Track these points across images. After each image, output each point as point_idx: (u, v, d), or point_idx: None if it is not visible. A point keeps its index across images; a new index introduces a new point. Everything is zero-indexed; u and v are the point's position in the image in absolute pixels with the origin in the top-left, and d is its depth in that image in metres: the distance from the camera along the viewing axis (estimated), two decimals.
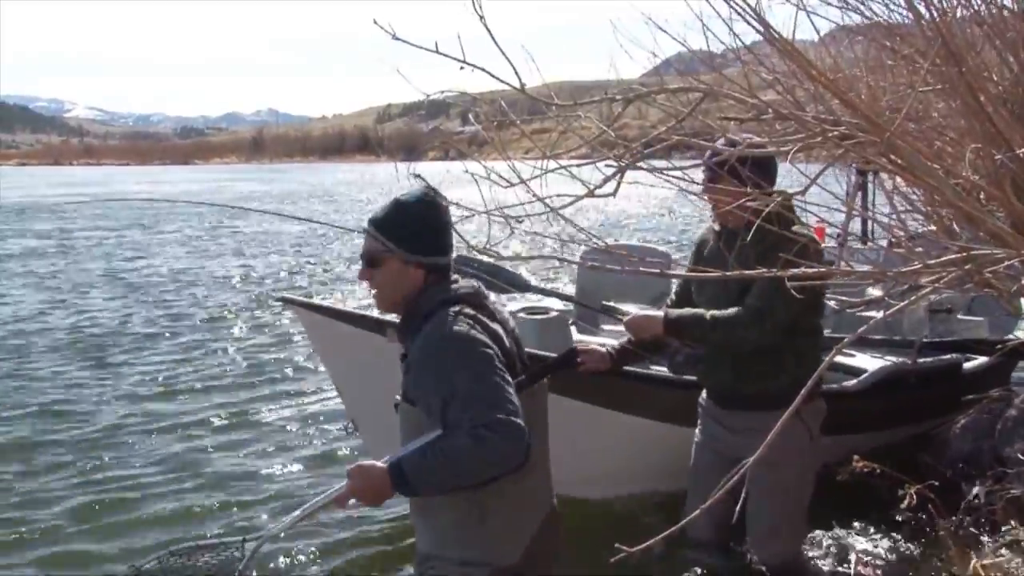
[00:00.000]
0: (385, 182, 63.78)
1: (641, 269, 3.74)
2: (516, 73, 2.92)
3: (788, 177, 3.26)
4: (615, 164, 3.02)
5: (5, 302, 14.70)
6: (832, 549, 4.90)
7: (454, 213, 3.11)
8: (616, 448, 5.13)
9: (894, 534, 4.79)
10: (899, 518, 4.61)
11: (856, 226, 7.94)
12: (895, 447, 5.48)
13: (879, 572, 4.38)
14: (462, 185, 3.54)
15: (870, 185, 7.46)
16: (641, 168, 3.14)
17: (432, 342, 2.80)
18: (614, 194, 2.97)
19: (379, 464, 2.76)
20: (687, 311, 4.10)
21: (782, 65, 2.98)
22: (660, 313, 4.16)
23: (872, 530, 4.83)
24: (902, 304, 2.97)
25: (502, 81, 2.97)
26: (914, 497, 3.54)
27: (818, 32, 3.03)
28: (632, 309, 4.59)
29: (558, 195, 3.15)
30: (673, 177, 2.99)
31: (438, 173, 3.52)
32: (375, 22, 2.99)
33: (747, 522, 4.18)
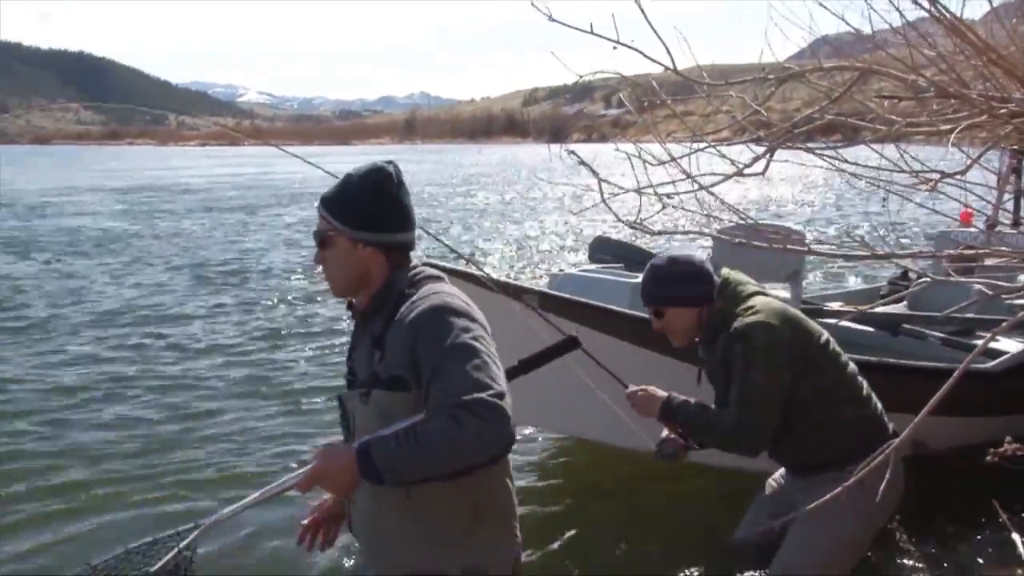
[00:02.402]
0: (533, 161, 64.08)
1: (775, 246, 3.65)
2: (668, 53, 2.85)
3: (946, 164, 3.08)
4: (765, 143, 2.92)
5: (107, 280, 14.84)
6: (989, 531, 4.71)
7: (606, 190, 3.02)
8: None
9: None
10: None
11: (1005, 212, 7.55)
12: None
13: None
14: (609, 165, 3.48)
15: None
16: (790, 148, 3.02)
17: (425, 313, 2.38)
18: (763, 173, 2.86)
19: (349, 446, 2.34)
20: (686, 406, 3.72)
21: (945, 43, 2.81)
22: (663, 395, 3.77)
23: None
24: None
25: (655, 61, 2.90)
26: None
27: (991, 2, 2.82)
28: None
29: (707, 173, 3.05)
30: (826, 156, 2.85)
31: (589, 153, 3.46)
32: (533, 4, 2.96)
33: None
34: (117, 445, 6.66)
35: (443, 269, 4.85)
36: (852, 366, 3.77)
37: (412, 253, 2.64)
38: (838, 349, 3.74)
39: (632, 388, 3.81)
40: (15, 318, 11.52)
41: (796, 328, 3.59)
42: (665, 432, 3.81)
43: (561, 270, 7.01)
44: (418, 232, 2.63)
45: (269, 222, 25.77)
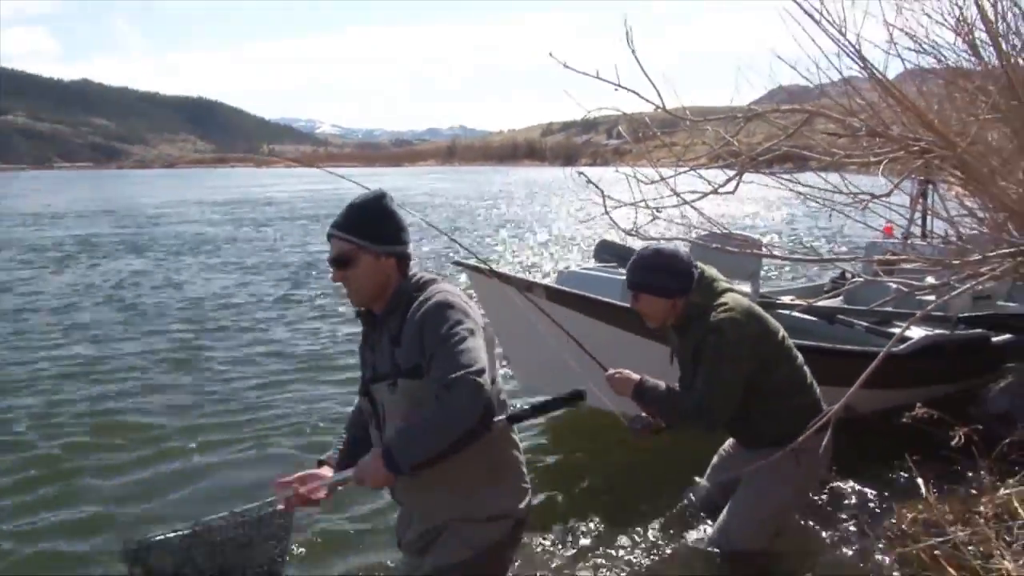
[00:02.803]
0: (549, 181, 63.75)
1: (744, 251, 3.69)
2: (659, 95, 2.91)
3: (874, 188, 3.14)
4: (735, 168, 2.99)
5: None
6: (899, 476, 4.75)
7: (608, 204, 3.09)
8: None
9: (945, 466, 4.58)
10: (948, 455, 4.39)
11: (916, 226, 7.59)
12: (946, 401, 5.21)
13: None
14: (610, 184, 3.53)
15: (930, 194, 7.10)
16: (755, 172, 3.10)
17: (430, 309, 2.35)
18: (734, 191, 2.93)
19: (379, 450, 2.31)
20: (655, 388, 3.50)
21: (872, 95, 2.87)
22: (636, 378, 3.52)
23: (927, 462, 4.60)
24: (962, 288, 2.84)
25: (648, 100, 2.95)
26: (962, 438, 3.37)
27: (905, 66, 2.91)
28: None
29: (688, 191, 3.12)
30: (783, 180, 2.93)
31: (595, 175, 3.51)
32: (551, 54, 3.03)
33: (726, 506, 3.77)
34: (207, 415, 6.53)
35: (473, 267, 4.94)
36: (800, 358, 3.60)
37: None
38: (790, 343, 3.58)
39: (611, 371, 3.59)
40: (128, 304, 11.62)
41: (761, 325, 3.43)
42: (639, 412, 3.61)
43: (567, 268, 7.01)
44: (420, 236, 2.57)
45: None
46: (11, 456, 5.61)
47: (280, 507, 2.46)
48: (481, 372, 2.20)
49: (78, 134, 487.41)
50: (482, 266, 4.73)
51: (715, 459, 4.06)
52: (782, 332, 3.53)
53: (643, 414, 3.60)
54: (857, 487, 4.75)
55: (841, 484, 4.73)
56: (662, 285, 3.40)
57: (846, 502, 4.59)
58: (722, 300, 3.39)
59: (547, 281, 6.59)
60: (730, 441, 4.00)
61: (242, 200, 43.01)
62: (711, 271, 3.50)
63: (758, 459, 3.24)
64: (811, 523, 4.29)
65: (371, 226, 2.45)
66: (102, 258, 17.45)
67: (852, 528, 4.30)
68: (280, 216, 30.96)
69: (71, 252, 18.55)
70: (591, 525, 4.37)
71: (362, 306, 2.53)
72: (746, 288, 6.22)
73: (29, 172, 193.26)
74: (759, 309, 3.50)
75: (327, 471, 2.62)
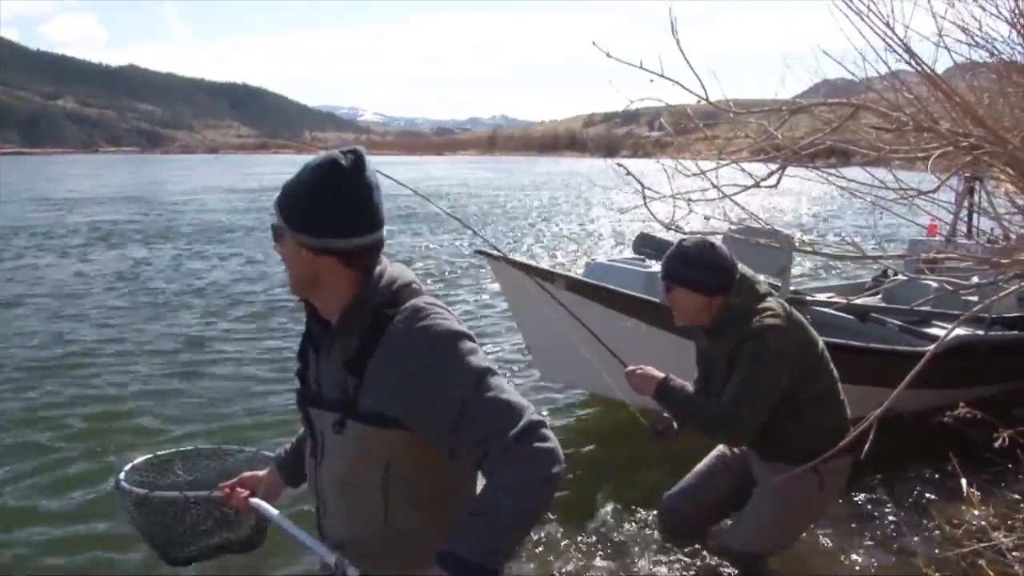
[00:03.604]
0: (590, 172, 63.41)
1: (784, 247, 3.63)
2: (703, 86, 2.88)
3: (920, 184, 3.08)
4: (778, 162, 2.96)
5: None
6: (939, 478, 4.67)
7: (648, 195, 3.06)
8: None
9: (988, 469, 4.49)
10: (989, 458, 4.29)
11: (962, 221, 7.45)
12: (989, 403, 5.10)
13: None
14: (651, 175, 3.50)
15: (977, 191, 6.96)
16: (798, 166, 3.06)
17: (418, 344, 1.69)
18: (776, 185, 2.90)
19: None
20: (680, 390, 3.25)
21: (920, 89, 2.82)
22: (659, 376, 3.27)
23: (969, 464, 4.50)
24: (1010, 289, 2.78)
25: (691, 92, 2.92)
26: (1005, 440, 3.29)
27: (955, 60, 2.85)
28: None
29: (730, 184, 3.09)
30: (826, 174, 2.89)
31: (635, 166, 3.46)
32: (594, 43, 3.01)
33: (737, 515, 3.60)
34: (213, 406, 6.51)
35: (495, 257, 4.94)
36: (836, 373, 3.36)
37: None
38: (828, 356, 3.34)
39: (630, 368, 3.35)
40: (135, 293, 11.53)
41: (804, 334, 3.22)
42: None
43: (593, 259, 6.98)
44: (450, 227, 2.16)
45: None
46: (12, 441, 5.60)
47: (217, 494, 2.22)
48: (536, 414, 1.67)
49: (124, 119, 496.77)
50: (508, 257, 4.73)
51: (716, 457, 3.78)
52: (821, 344, 3.33)
53: (667, 415, 3.38)
54: (895, 488, 4.69)
55: (879, 484, 4.68)
56: (701, 281, 3.16)
57: (884, 503, 4.53)
58: (765, 304, 3.16)
59: (575, 273, 6.59)
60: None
61: (276, 188, 42.26)
62: (749, 272, 3.27)
63: (776, 471, 3.14)
64: (849, 524, 4.24)
65: (292, 204, 1.75)
66: (116, 246, 17.07)
67: (891, 530, 4.25)
68: None
69: (86, 239, 18.09)
70: (591, 523, 4.28)
71: (293, 293, 1.86)
72: (775, 284, 6.16)
73: (70, 156, 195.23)
74: (800, 317, 3.30)
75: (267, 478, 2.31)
